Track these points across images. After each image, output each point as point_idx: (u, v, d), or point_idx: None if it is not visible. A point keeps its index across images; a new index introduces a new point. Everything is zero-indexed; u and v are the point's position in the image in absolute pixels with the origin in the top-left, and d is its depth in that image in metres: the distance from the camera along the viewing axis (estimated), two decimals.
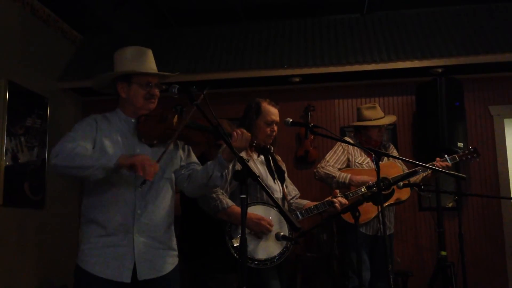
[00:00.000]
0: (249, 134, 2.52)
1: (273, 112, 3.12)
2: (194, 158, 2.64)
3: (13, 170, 4.49)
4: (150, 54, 2.53)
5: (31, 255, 4.74)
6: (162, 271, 2.38)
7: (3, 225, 4.37)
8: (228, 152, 2.40)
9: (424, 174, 3.91)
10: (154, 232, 2.37)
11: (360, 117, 4.22)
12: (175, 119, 2.40)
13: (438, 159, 3.86)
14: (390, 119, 4.25)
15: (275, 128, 3.14)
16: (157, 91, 2.46)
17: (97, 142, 2.31)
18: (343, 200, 3.15)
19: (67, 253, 5.25)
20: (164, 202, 2.43)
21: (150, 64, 2.49)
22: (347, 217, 3.72)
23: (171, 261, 2.45)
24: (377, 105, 4.27)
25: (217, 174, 2.42)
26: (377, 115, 4.16)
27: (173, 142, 2.39)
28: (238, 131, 2.48)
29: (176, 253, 2.50)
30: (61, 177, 2.31)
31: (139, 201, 2.33)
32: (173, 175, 2.51)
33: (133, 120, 2.43)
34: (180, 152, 2.56)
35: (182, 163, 2.56)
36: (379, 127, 4.12)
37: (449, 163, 3.83)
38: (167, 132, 2.37)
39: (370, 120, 4.13)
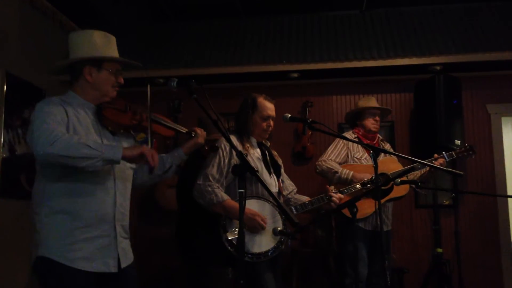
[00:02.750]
0: (204, 132, 2.71)
1: (269, 107, 3.13)
2: None
3: (10, 162, 4.48)
4: (115, 41, 2.52)
5: (28, 247, 4.72)
6: (131, 259, 2.42)
7: None
8: (188, 147, 2.61)
9: (422, 172, 3.93)
10: (125, 221, 2.40)
11: (355, 108, 4.29)
12: (138, 110, 2.43)
13: (436, 155, 3.87)
14: (379, 105, 4.27)
15: (271, 123, 3.14)
16: (122, 80, 2.44)
17: (70, 123, 2.22)
18: (339, 196, 3.17)
19: None
20: (130, 191, 2.48)
21: (116, 52, 2.48)
22: (346, 211, 3.74)
23: (132, 249, 2.48)
24: (372, 97, 4.36)
25: (173, 168, 2.57)
26: (369, 102, 4.24)
27: (149, 135, 2.41)
28: (199, 129, 2.68)
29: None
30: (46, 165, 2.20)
31: (118, 190, 2.33)
32: (134, 165, 2.52)
33: (92, 106, 2.37)
34: (134, 143, 2.57)
35: None
36: (373, 114, 4.15)
37: (446, 159, 3.85)
38: (132, 122, 2.40)
39: (364, 107, 4.20)
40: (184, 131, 2.64)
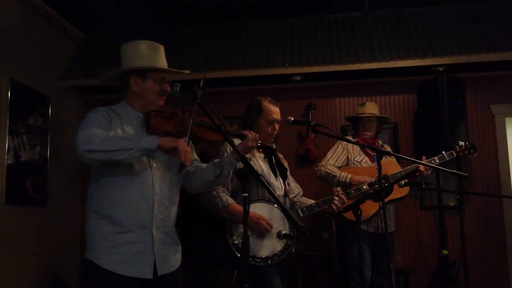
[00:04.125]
0: (258, 135, 2.64)
1: (274, 110, 3.13)
2: (195, 155, 2.67)
3: (15, 169, 4.50)
4: (162, 50, 2.56)
5: (33, 253, 4.74)
6: (174, 266, 2.43)
7: (5, 223, 4.37)
8: (240, 150, 2.48)
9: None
10: (167, 228, 2.41)
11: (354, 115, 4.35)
12: (185, 116, 2.43)
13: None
14: (374, 113, 4.28)
15: (277, 126, 3.15)
16: (169, 88, 2.47)
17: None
18: (343, 198, 3.17)
19: (69, 251, 5.26)
20: (175, 197, 2.49)
21: (164, 60, 2.53)
22: (348, 214, 3.74)
23: (179, 256, 2.50)
24: (368, 103, 4.40)
25: (225, 173, 2.52)
26: (365, 109, 4.29)
27: (188, 139, 2.40)
28: (250, 132, 2.61)
29: (181, 248, 2.54)
30: (86, 163, 2.23)
31: (156, 197, 2.34)
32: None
33: (141, 115, 2.44)
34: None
35: None
36: (362, 121, 4.20)
37: (446, 159, 3.87)
38: (178, 128, 2.39)
39: (358, 114, 4.29)
40: (235, 135, 2.59)
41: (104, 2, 5.24)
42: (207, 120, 2.47)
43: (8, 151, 4.41)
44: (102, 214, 2.30)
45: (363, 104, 4.40)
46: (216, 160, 2.55)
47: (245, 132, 2.63)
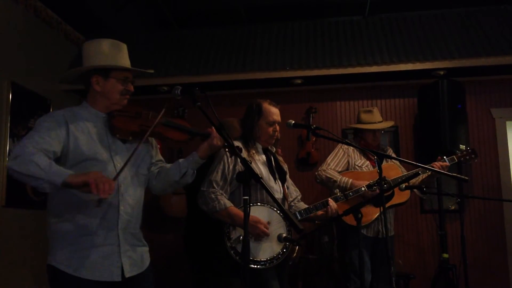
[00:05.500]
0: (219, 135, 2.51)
1: (274, 112, 3.13)
2: (160, 155, 2.62)
3: None
4: (126, 49, 2.50)
5: (33, 256, 4.74)
6: (142, 267, 2.39)
7: (5, 225, 4.37)
8: (203, 150, 2.45)
9: (424, 176, 3.91)
10: (133, 229, 2.37)
11: (357, 120, 4.26)
12: (150, 116, 2.40)
13: (439, 157, 3.87)
14: (385, 124, 4.23)
15: (277, 128, 3.14)
16: (132, 87, 2.43)
17: (70, 140, 2.23)
18: (334, 205, 3.16)
19: None
20: (140, 198, 2.44)
21: (126, 59, 2.46)
22: (348, 219, 3.73)
23: (147, 257, 2.46)
24: (375, 109, 4.26)
25: (190, 172, 2.46)
26: (373, 119, 4.17)
27: (146, 139, 2.36)
28: (214, 130, 2.48)
29: (148, 248, 2.49)
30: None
31: (122, 197, 2.30)
32: (146, 171, 2.50)
33: (103, 115, 2.38)
34: (151, 149, 2.55)
35: (153, 160, 2.55)
36: (373, 131, 4.12)
37: (447, 163, 3.84)
38: (142, 128, 2.36)
39: (364, 123, 4.15)
40: (199, 134, 2.52)
41: (105, 5, 5.25)
42: (174, 120, 2.47)
43: (9, 154, 4.41)
44: (63, 217, 2.23)
45: (369, 111, 4.24)
46: (181, 160, 2.50)
47: (208, 130, 2.50)
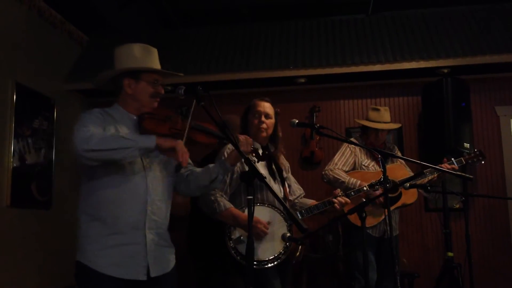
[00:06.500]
0: (251, 139, 2.63)
1: (260, 104, 3.11)
2: (189, 159, 2.65)
3: (20, 171, 4.51)
4: (156, 53, 2.55)
5: (38, 256, 4.75)
6: (167, 268, 2.41)
7: (10, 225, 4.39)
8: (233, 157, 2.52)
9: (430, 177, 3.88)
10: (160, 229, 2.40)
11: (366, 116, 4.23)
12: (179, 119, 2.42)
13: (445, 159, 3.84)
14: (388, 126, 4.19)
15: (263, 119, 3.08)
16: (163, 90, 2.46)
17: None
18: (344, 200, 3.14)
19: (74, 253, 5.26)
20: (169, 199, 2.47)
21: (157, 62, 2.51)
22: (353, 218, 3.72)
23: (172, 258, 2.48)
24: (384, 109, 4.19)
25: (220, 178, 2.51)
26: (378, 118, 4.12)
27: (184, 141, 2.37)
28: (243, 136, 2.59)
29: (174, 249, 2.52)
30: (88, 165, 2.21)
31: (150, 198, 2.33)
32: (174, 173, 2.53)
33: (135, 117, 2.42)
34: None
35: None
36: (375, 130, 4.09)
37: (456, 166, 3.80)
38: (172, 131, 2.37)
39: (370, 121, 4.13)
40: (227, 138, 2.49)
41: (108, 5, 5.25)
42: (201, 123, 2.47)
43: (13, 154, 4.43)
44: (94, 216, 2.28)
45: (377, 109, 4.20)
46: (211, 165, 2.53)
47: (238, 135, 2.59)
